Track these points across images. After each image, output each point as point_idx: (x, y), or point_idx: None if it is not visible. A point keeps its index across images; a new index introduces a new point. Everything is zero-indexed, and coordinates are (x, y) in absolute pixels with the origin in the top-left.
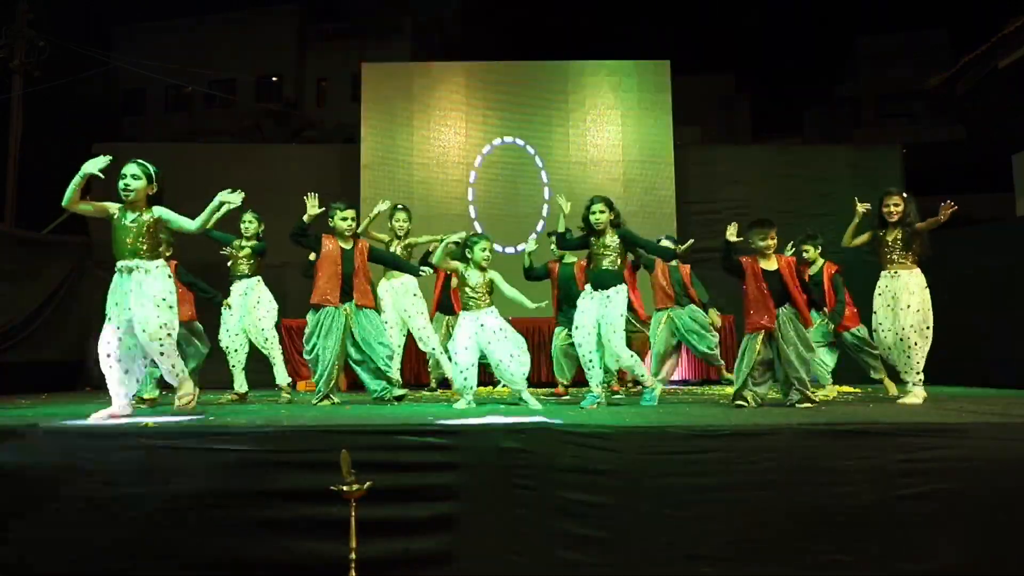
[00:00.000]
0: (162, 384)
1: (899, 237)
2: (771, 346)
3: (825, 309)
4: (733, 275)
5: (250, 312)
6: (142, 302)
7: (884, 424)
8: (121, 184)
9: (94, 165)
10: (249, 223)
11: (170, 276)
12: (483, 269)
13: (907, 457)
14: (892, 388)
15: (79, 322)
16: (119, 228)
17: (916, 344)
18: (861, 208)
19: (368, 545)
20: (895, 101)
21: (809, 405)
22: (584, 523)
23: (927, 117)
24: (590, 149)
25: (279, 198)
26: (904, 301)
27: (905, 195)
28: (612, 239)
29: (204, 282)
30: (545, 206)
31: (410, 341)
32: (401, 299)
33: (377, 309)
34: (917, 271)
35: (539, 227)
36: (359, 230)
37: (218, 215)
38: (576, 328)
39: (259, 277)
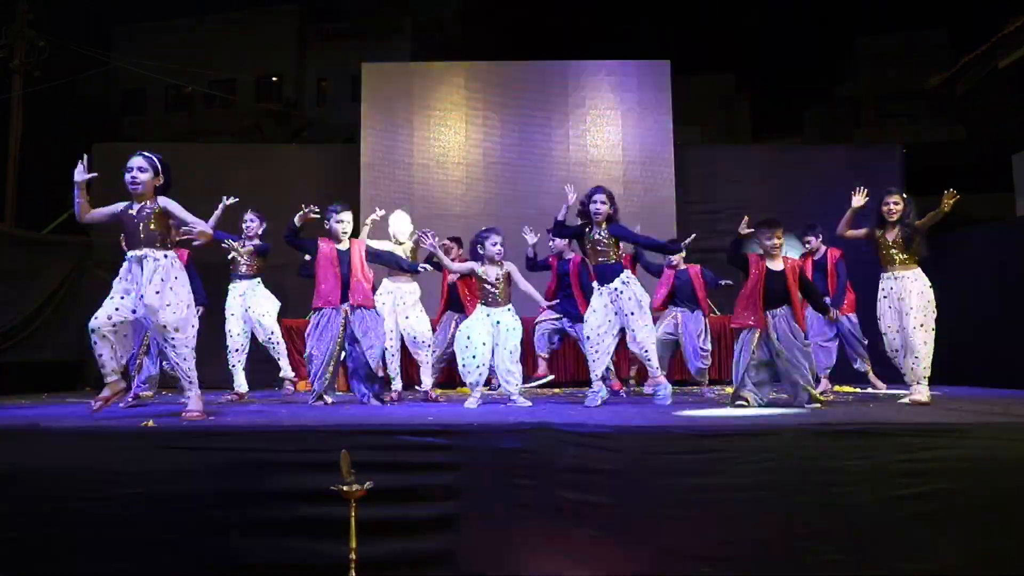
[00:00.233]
0: (162, 384)
1: (898, 237)
2: (767, 347)
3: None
4: (737, 268)
5: (252, 311)
6: (156, 291)
7: (884, 424)
8: (128, 177)
9: (80, 173)
10: (251, 221)
11: (182, 267)
12: (498, 263)
13: (907, 457)
14: (877, 383)
15: (79, 322)
16: (129, 220)
17: (924, 343)
18: (859, 198)
19: (368, 545)
20: (895, 101)
21: (818, 405)
22: (584, 523)
23: (927, 117)
24: (590, 149)
25: (279, 198)
26: (908, 303)
27: (905, 196)
28: (603, 232)
29: (200, 283)
30: (545, 206)
31: None
32: (401, 301)
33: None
34: (919, 271)
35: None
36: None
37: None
38: (585, 321)
39: (259, 279)
